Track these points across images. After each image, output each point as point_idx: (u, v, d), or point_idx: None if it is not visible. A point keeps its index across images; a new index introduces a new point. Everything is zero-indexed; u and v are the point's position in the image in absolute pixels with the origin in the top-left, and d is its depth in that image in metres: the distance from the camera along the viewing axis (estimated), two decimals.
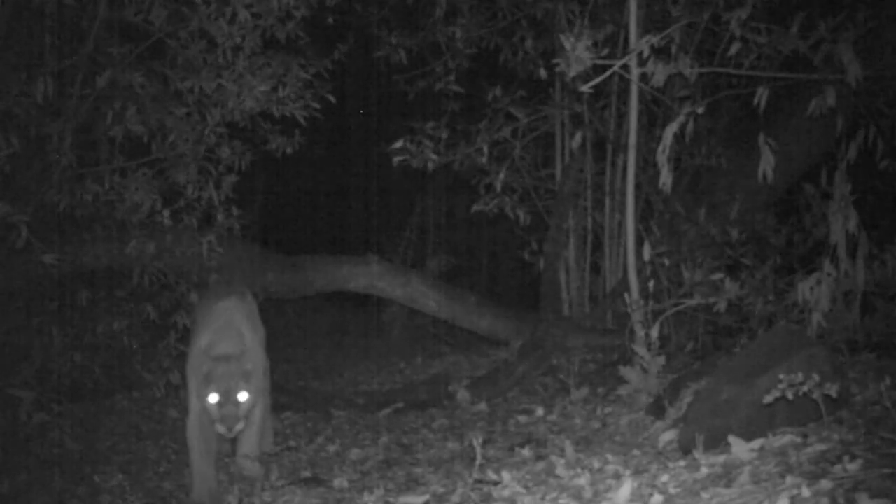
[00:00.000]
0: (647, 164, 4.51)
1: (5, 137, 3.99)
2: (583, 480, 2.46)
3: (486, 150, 5.08)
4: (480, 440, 2.55)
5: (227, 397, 3.33)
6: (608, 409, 3.57)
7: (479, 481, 2.61)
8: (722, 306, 3.63)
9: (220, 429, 3.34)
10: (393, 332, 6.75)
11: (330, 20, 4.95)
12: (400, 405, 4.62)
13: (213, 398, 3.34)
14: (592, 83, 3.42)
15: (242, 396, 3.36)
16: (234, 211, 4.88)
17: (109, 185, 4.53)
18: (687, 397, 3.02)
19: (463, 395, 4.53)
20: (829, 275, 3.29)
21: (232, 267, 4.78)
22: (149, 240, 4.65)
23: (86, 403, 4.51)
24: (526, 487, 2.56)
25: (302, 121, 4.71)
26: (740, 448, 2.28)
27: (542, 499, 2.41)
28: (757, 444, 2.29)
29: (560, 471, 2.64)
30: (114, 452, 4.01)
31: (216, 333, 3.51)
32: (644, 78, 3.61)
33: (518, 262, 5.77)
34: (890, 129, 3.60)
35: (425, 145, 4.97)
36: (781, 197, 4.39)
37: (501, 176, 5.12)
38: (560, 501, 2.36)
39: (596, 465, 2.65)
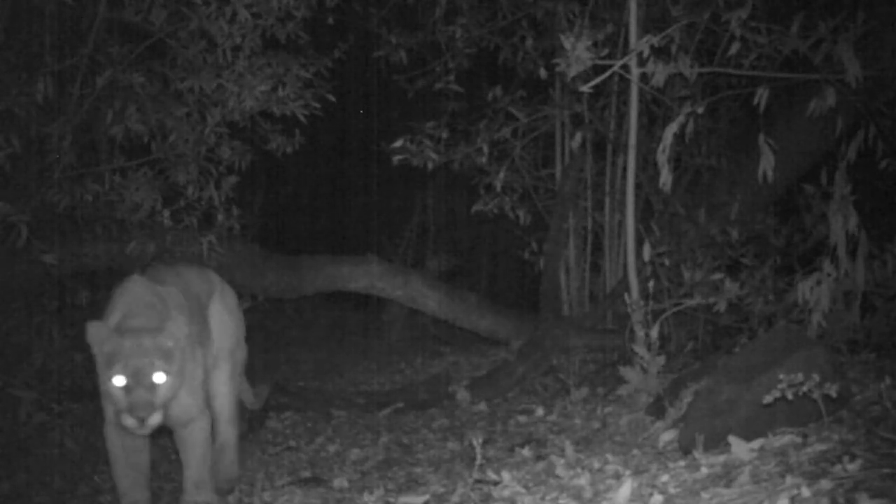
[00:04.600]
0: (647, 164, 4.51)
1: (5, 137, 3.99)
2: (583, 480, 2.46)
3: (486, 150, 5.08)
4: (480, 440, 2.54)
5: (138, 379, 2.63)
6: (608, 409, 3.57)
7: (479, 481, 2.61)
8: (722, 306, 3.63)
9: (129, 421, 2.63)
10: (393, 332, 6.75)
11: (330, 20, 4.95)
12: (400, 405, 4.62)
13: (119, 381, 2.63)
14: (592, 83, 3.42)
15: (159, 378, 2.66)
16: (234, 211, 4.87)
17: (109, 185, 4.53)
18: (687, 397, 3.02)
19: (463, 395, 4.53)
20: (829, 275, 3.29)
21: (232, 267, 4.77)
22: (149, 240, 4.64)
23: (86, 403, 4.50)
24: (526, 487, 2.56)
25: (303, 119, 4.71)
26: (740, 448, 2.28)
27: (542, 499, 2.41)
28: (757, 444, 2.29)
29: (560, 471, 2.64)
30: None
31: (129, 308, 2.84)
32: (644, 78, 3.61)
33: (518, 262, 5.77)
34: (890, 129, 3.60)
35: (425, 145, 4.97)
36: (781, 197, 4.38)
37: (501, 176, 5.11)
38: (560, 501, 2.36)
39: (596, 465, 2.65)
